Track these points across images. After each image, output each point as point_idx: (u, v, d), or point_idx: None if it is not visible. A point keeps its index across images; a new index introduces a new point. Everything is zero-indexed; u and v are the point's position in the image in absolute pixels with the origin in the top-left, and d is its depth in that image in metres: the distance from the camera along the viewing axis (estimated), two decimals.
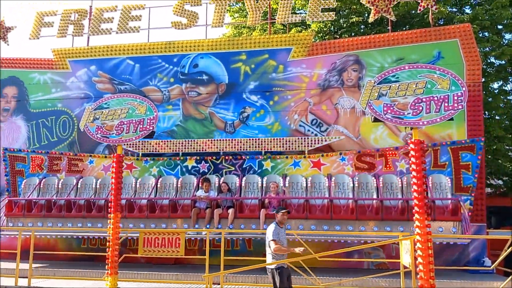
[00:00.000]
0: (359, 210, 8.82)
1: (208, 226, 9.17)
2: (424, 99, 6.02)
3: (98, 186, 10.40)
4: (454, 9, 14.82)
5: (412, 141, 6.03)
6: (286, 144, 10.34)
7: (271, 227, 6.19)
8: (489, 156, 12.76)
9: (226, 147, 10.56)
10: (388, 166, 9.65)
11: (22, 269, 8.04)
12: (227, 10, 13.72)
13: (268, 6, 11.73)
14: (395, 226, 8.54)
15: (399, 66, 6.38)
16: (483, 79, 12.47)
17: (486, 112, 13.16)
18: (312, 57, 10.96)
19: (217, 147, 10.58)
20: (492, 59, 13.87)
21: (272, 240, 6.05)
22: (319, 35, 15.56)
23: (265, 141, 10.44)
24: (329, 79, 10.80)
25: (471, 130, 9.92)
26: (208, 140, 10.74)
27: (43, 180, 10.80)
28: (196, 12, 11.79)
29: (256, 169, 10.29)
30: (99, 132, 7.73)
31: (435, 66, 6.32)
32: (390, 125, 10.00)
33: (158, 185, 10.08)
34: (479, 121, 10.08)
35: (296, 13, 13.91)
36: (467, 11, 14.63)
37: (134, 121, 7.64)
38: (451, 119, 6.03)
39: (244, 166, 10.40)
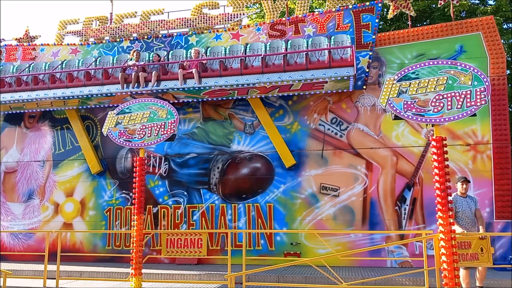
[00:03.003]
0: (265, 66, 9.95)
1: (136, 87, 10.46)
2: (445, 95, 5.92)
3: (47, 68, 11.79)
4: (477, 1, 14.50)
5: (433, 138, 5.94)
6: (208, 20, 11.67)
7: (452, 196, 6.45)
8: None
9: (155, 28, 11.97)
10: (297, 32, 10.77)
11: (49, 270, 8.27)
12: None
13: (285, 6, 11.71)
14: (297, 75, 9.64)
15: (419, 63, 6.28)
16: (508, 72, 12.18)
17: None
18: None
19: (149, 29, 11.99)
20: None
21: None
22: None
23: (189, 19, 11.84)
24: None
25: (496, 124, 9.69)
26: (141, 23, 12.08)
27: (1, 67, 12.14)
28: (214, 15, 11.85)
29: (183, 44, 11.51)
30: (121, 136, 7.88)
31: (456, 61, 6.20)
32: (411, 122, 9.86)
33: (97, 63, 11.47)
34: (505, 115, 9.81)
35: (313, 12, 13.81)
36: (490, 2, 14.29)
37: (155, 125, 7.77)
38: (474, 114, 5.91)
39: (172, 42, 11.63)
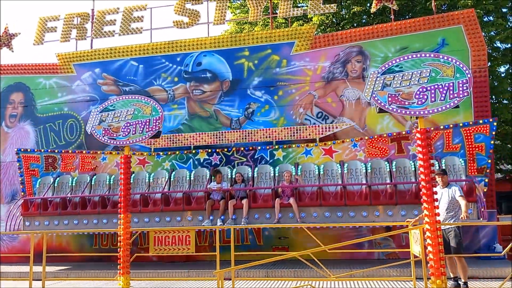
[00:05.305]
0: (372, 195, 8.73)
1: (222, 217, 9.13)
2: (428, 88, 5.98)
3: (112, 183, 10.42)
4: None
5: (418, 130, 6.00)
6: (295, 133, 10.31)
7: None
8: (498, 142, 12.66)
9: (236, 139, 10.60)
10: (400, 150, 9.61)
11: (35, 272, 8.13)
12: (228, 7, 13.68)
13: (269, 1, 11.70)
14: (410, 210, 8.48)
15: (402, 56, 6.33)
16: (489, 64, 12.36)
17: (493, 97, 13.04)
18: (315, 50, 10.93)
19: (228, 139, 10.64)
20: (498, 43, 13.73)
21: None
22: (321, 27, 15.49)
23: (274, 131, 10.42)
24: (333, 71, 10.76)
25: (478, 116, 9.84)
26: (218, 133, 10.76)
27: (57, 178, 10.86)
28: (198, 11, 11.81)
29: (268, 159, 10.33)
30: (106, 134, 7.78)
31: (438, 54, 6.26)
32: (396, 115, 9.96)
33: (172, 179, 10.12)
34: (486, 106, 10.01)
35: (297, 7, 13.82)
36: None
37: (140, 122, 7.67)
38: (457, 106, 5.99)
39: (255, 156, 10.43)
